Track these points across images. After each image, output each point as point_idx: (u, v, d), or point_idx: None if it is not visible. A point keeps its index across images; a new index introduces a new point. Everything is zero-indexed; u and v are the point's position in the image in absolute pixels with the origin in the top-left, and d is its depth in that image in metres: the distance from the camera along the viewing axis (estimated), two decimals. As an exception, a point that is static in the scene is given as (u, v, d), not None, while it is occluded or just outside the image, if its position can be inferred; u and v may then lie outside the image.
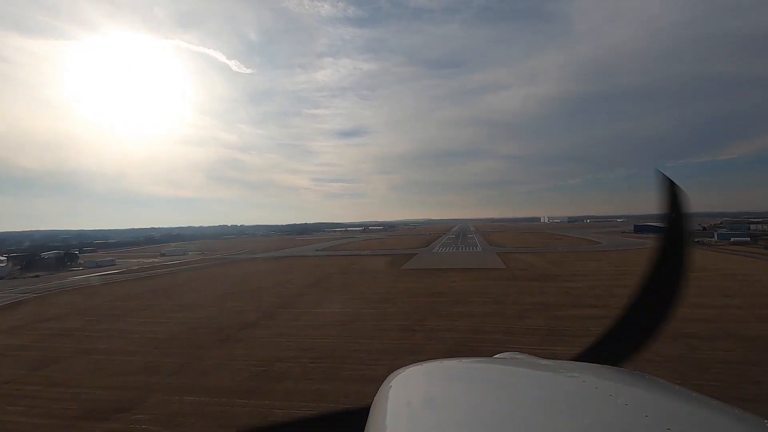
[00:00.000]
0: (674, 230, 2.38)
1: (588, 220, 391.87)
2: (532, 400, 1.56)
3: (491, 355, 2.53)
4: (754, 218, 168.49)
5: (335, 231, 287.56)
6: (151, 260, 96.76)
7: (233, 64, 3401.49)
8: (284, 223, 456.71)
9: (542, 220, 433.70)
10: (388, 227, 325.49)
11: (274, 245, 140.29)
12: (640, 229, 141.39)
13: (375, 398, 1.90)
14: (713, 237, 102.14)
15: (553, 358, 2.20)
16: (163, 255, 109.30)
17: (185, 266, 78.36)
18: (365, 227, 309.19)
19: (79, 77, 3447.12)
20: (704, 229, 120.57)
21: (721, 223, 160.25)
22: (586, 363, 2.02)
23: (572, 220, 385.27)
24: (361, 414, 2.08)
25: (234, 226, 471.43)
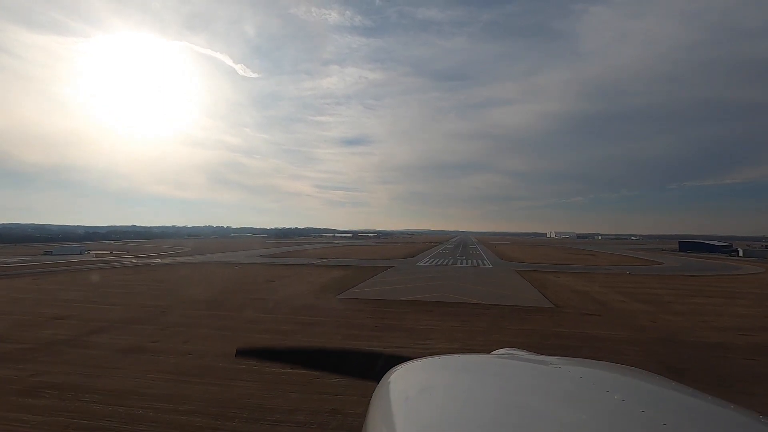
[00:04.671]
0: None
1: (599, 237, 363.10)
2: (529, 395, 1.51)
3: (488, 352, 2.43)
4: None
5: (321, 236, 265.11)
6: (12, 260, 66.97)
7: (239, 68, 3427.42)
8: (276, 227, 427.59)
9: (548, 236, 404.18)
10: (383, 235, 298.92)
11: (228, 247, 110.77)
12: (688, 247, 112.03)
13: (374, 393, 1.79)
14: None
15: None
16: (46, 254, 79.45)
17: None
18: (354, 234, 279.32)
19: (86, 75, 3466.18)
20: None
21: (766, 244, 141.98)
22: (583, 359, 1.92)
23: (581, 237, 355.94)
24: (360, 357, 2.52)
25: (221, 228, 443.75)
